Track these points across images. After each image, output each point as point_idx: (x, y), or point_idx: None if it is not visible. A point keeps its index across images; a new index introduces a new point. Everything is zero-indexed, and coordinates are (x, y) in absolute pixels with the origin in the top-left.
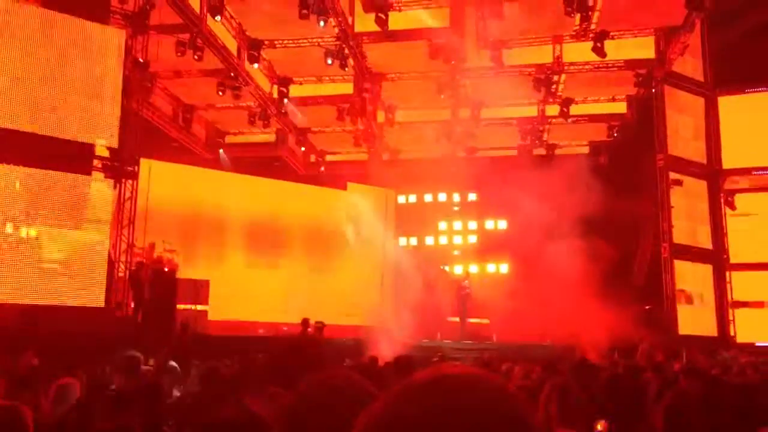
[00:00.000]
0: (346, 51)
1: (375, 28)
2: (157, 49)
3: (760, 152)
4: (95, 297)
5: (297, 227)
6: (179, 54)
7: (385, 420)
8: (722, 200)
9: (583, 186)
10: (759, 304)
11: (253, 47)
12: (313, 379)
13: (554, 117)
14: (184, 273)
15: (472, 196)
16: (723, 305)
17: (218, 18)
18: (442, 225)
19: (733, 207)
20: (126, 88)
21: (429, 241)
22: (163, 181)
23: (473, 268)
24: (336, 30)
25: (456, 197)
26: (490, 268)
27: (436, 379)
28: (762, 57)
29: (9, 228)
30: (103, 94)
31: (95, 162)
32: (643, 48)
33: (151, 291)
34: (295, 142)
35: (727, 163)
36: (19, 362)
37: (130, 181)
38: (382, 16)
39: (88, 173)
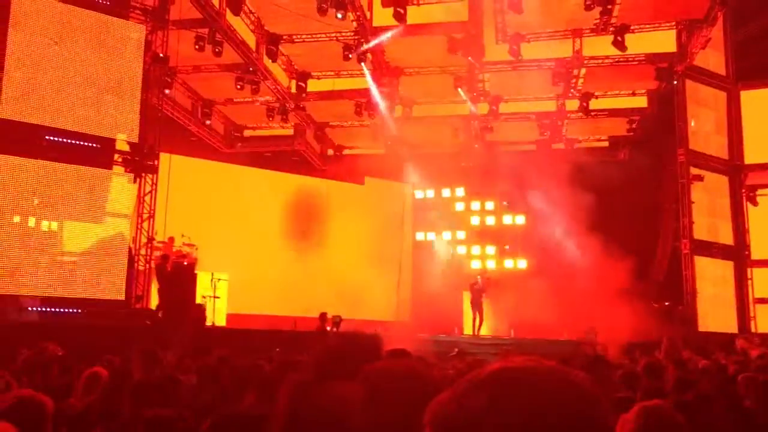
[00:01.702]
0: (365, 45)
1: (393, 22)
2: (177, 43)
3: None
4: (116, 290)
5: (313, 222)
6: (198, 49)
7: (454, 411)
8: (744, 196)
9: (603, 181)
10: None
11: (272, 42)
12: (378, 368)
13: (573, 111)
14: (203, 267)
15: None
16: (744, 301)
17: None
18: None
19: (755, 203)
20: (146, 83)
21: (446, 236)
22: (182, 176)
23: (490, 264)
24: (354, 24)
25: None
26: (508, 263)
27: (508, 372)
28: None
29: (31, 221)
30: (123, 89)
31: (116, 156)
32: (664, 42)
33: (171, 284)
34: (313, 136)
35: (749, 158)
36: (44, 352)
37: (150, 175)
38: (401, 10)
39: (109, 167)
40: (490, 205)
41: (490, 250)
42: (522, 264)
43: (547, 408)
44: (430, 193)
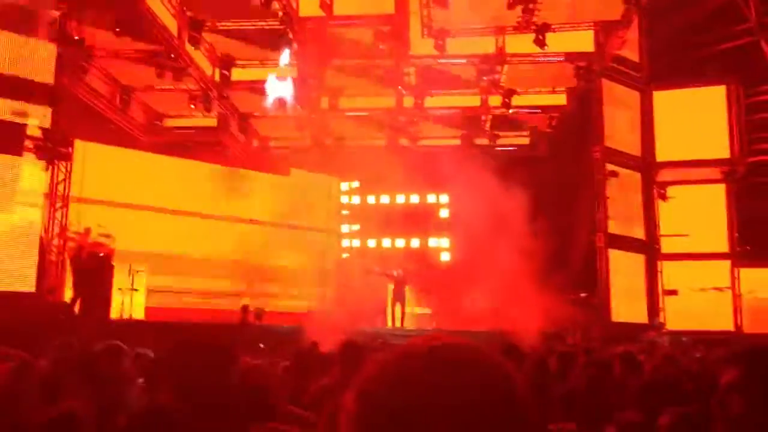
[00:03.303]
0: (291, 35)
1: (320, 12)
2: (94, 27)
3: (692, 146)
4: (26, 281)
5: (237, 212)
6: (116, 34)
7: (381, 383)
8: (655, 192)
9: (523, 176)
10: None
11: (194, 28)
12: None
13: (496, 107)
14: (120, 258)
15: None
16: (654, 293)
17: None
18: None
19: (665, 199)
20: (60, 67)
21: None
22: (98, 164)
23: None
24: (280, 14)
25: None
26: (432, 255)
27: (438, 349)
28: (695, 53)
29: None
30: (34, 72)
31: (26, 142)
32: (583, 41)
33: (86, 276)
34: (237, 127)
35: (661, 156)
36: None
37: (63, 163)
38: (327, 0)
39: (19, 154)
40: (415, 199)
41: (415, 242)
42: (445, 256)
43: (472, 380)
44: (356, 189)
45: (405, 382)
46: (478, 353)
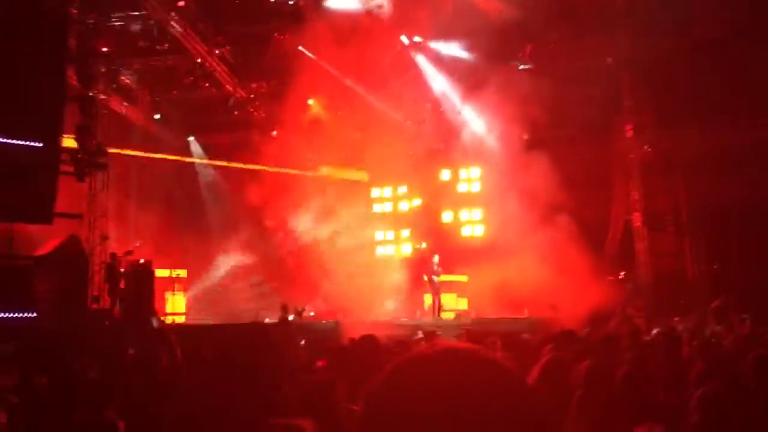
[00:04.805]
0: None
1: None
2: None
3: None
4: None
5: (271, 214)
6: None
7: (387, 391)
8: None
9: (556, 158)
10: None
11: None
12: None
13: None
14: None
15: (445, 174)
16: None
17: None
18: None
19: None
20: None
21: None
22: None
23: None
24: None
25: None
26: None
27: (442, 355)
28: None
29: None
30: None
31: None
32: None
33: (127, 284)
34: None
35: None
36: None
37: (101, 173)
38: None
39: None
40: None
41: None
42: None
43: (471, 384)
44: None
45: (408, 388)
46: (480, 357)
